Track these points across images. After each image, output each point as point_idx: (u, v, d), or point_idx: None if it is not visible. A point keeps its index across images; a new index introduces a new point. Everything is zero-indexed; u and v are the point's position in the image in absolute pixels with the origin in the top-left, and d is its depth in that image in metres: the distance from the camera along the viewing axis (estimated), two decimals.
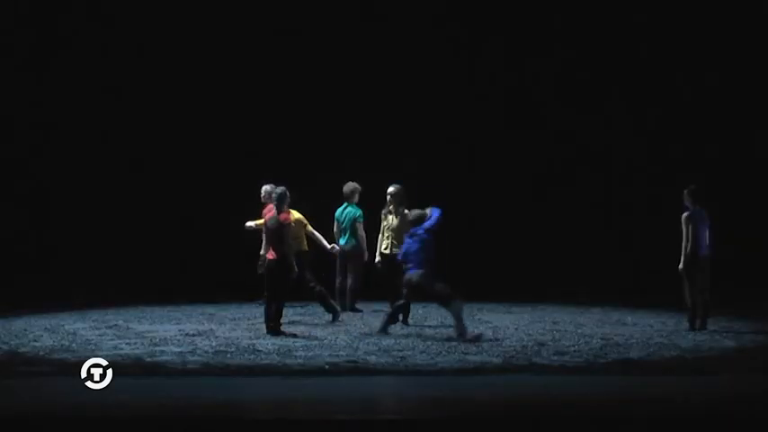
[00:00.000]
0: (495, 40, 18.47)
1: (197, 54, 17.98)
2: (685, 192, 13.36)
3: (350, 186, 14.83)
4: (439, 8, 18.26)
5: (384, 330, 12.74)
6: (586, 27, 18.32)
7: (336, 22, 18.11)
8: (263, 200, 14.73)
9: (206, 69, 18.02)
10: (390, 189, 14.12)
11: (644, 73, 18.28)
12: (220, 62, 18.03)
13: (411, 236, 12.71)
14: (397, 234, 13.98)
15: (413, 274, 12.53)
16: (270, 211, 13.16)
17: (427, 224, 12.62)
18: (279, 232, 12.77)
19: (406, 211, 13.83)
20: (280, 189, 12.97)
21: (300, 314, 14.15)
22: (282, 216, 12.83)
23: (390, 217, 14.12)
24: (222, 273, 17.16)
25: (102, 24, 17.98)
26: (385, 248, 14.13)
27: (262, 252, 14.20)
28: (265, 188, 14.80)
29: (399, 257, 12.90)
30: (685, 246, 13.18)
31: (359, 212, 14.65)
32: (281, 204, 12.86)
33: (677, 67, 18.15)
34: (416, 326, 13.78)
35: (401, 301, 12.95)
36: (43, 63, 17.97)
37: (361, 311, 14.73)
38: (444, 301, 12.47)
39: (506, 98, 18.52)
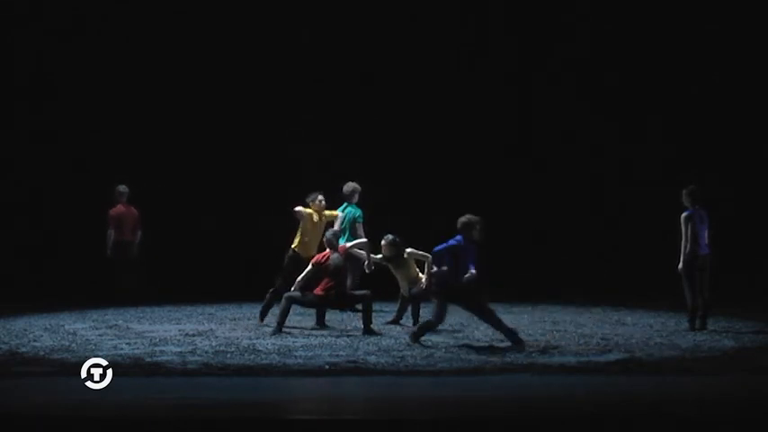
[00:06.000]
0: (496, 42, 18.54)
1: (198, 51, 18.03)
2: (684, 192, 13.35)
3: (350, 186, 14.79)
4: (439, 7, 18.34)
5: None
6: (584, 27, 18.34)
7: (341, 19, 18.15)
8: (118, 199, 16.26)
9: (206, 69, 18.06)
10: (383, 242, 13.54)
11: (643, 73, 18.30)
12: (219, 62, 18.06)
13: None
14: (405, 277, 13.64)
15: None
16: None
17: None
18: (341, 268, 13.03)
19: (409, 249, 13.55)
20: (330, 231, 13.30)
21: (300, 314, 14.13)
22: (340, 249, 13.16)
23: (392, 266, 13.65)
24: (222, 272, 17.21)
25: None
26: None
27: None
28: (118, 188, 16.29)
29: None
30: (685, 246, 13.19)
31: (359, 212, 14.61)
32: (335, 243, 13.16)
33: (678, 66, 18.19)
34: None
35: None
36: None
37: (360, 311, 14.69)
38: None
39: (505, 98, 18.52)
